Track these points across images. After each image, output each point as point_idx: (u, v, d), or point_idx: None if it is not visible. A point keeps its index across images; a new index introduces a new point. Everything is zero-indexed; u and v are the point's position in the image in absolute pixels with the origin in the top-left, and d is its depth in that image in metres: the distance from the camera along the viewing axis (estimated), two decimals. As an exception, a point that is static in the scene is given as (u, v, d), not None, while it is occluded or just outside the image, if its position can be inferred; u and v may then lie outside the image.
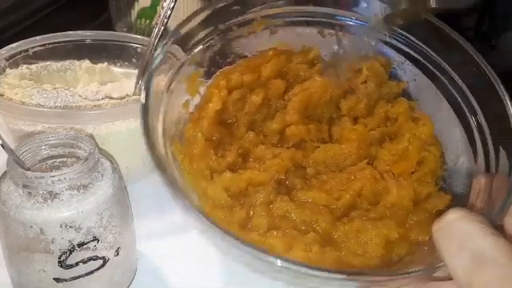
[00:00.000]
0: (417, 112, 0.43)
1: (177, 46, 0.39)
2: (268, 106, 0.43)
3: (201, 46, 0.42)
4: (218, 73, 0.44)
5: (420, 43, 0.43)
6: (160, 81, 0.38)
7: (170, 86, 0.39)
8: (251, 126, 0.42)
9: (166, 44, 0.38)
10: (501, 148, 0.36)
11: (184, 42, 0.40)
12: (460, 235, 0.26)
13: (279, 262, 0.28)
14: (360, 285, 0.30)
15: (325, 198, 0.37)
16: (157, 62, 0.37)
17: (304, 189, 0.38)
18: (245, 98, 0.42)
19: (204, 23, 0.41)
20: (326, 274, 0.28)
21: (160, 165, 0.32)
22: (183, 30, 0.39)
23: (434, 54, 0.43)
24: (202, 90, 0.43)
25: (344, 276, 0.28)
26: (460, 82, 0.41)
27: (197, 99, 0.43)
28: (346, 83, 0.45)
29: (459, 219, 0.27)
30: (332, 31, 0.46)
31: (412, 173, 0.40)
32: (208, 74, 0.44)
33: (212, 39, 0.42)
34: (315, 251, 0.33)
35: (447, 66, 0.42)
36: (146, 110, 0.35)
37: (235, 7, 0.43)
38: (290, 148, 0.40)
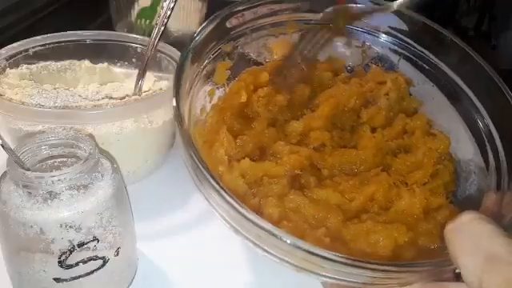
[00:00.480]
0: (434, 129, 0.45)
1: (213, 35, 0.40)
2: (292, 110, 0.44)
3: (232, 38, 0.43)
4: (244, 71, 0.45)
5: (442, 63, 0.45)
6: (190, 67, 0.38)
7: (199, 72, 0.40)
8: (272, 124, 0.43)
9: (205, 27, 0.39)
10: None
11: (217, 31, 0.41)
12: (474, 235, 0.27)
13: (289, 240, 0.28)
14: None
15: (337, 198, 0.38)
16: (199, 39, 0.38)
17: (318, 187, 0.38)
18: (269, 97, 0.44)
19: (238, 18, 0.43)
20: (332, 256, 0.28)
21: (188, 141, 0.33)
22: (218, 19, 0.41)
23: (454, 75, 0.44)
24: (228, 84, 0.44)
25: (350, 261, 0.28)
26: (477, 102, 0.42)
27: (221, 92, 0.44)
28: (369, 93, 0.46)
29: (473, 221, 0.28)
30: (359, 43, 0.48)
31: (425, 184, 0.41)
32: (235, 68, 0.45)
33: (244, 34, 0.44)
34: (326, 245, 0.33)
35: (466, 86, 0.43)
36: (177, 88, 0.35)
37: (271, 6, 0.44)
38: (310, 149, 0.41)
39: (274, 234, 0.29)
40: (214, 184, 0.30)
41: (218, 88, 0.44)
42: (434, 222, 0.38)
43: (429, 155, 0.42)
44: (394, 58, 0.47)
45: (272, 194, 0.36)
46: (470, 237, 0.27)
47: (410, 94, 0.48)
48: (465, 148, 0.43)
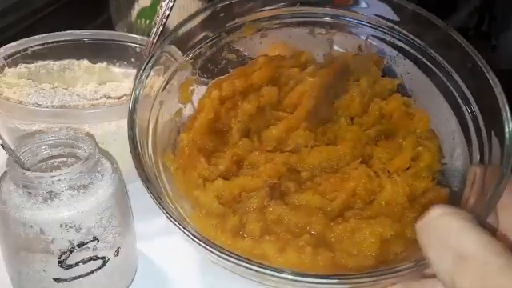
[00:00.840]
0: (412, 108, 0.43)
1: (167, 55, 0.40)
2: (262, 115, 0.43)
3: (191, 55, 0.43)
4: (210, 83, 0.44)
5: (412, 36, 0.43)
6: (149, 90, 0.39)
7: (157, 94, 0.40)
8: (245, 134, 0.42)
9: (153, 56, 0.39)
10: (494, 138, 0.36)
11: (174, 50, 0.41)
12: (442, 232, 0.26)
13: (261, 270, 0.29)
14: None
15: (318, 200, 0.37)
16: (145, 73, 0.38)
17: (298, 192, 0.38)
18: (237, 107, 0.43)
19: (192, 31, 0.42)
20: (301, 278, 0.29)
21: (146, 179, 0.33)
22: (168, 41, 0.40)
23: (427, 47, 0.42)
24: (196, 99, 0.44)
25: (321, 280, 0.29)
26: (454, 74, 0.40)
27: (189, 109, 0.44)
28: (340, 83, 0.45)
29: (442, 216, 0.26)
30: (322, 30, 0.46)
31: (408, 168, 0.40)
32: (200, 82, 0.44)
33: (201, 47, 0.43)
34: (308, 253, 0.33)
35: (440, 58, 0.41)
36: (132, 123, 0.35)
37: (222, 14, 0.43)
38: (286, 153, 0.40)
39: (242, 265, 0.29)
40: (180, 226, 0.32)
41: (184, 106, 0.43)
42: (421, 209, 0.37)
43: (408, 138, 0.41)
44: (362, 37, 0.46)
45: (252, 208, 0.36)
46: (439, 233, 0.26)
47: (384, 73, 0.46)
48: (446, 122, 0.41)
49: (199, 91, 0.44)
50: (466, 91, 0.39)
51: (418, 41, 0.42)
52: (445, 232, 0.26)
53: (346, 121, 0.42)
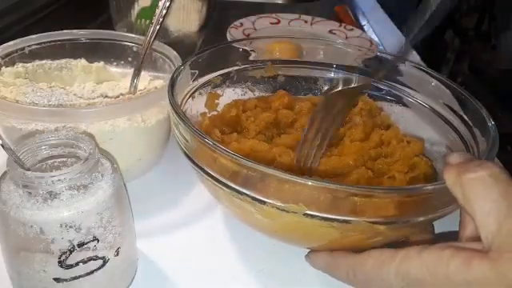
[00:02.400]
0: (408, 137, 0.48)
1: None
2: (277, 127, 0.48)
3: (222, 72, 0.50)
4: (233, 101, 0.51)
5: (405, 87, 0.51)
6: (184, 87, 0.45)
7: (193, 93, 0.47)
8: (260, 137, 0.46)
9: (189, 61, 0.46)
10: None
11: (210, 63, 0.49)
12: (499, 185, 0.29)
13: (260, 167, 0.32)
14: None
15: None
16: (183, 73, 0.44)
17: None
18: (256, 116, 0.49)
19: (227, 53, 0.50)
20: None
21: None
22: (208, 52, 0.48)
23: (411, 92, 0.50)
24: (220, 108, 0.51)
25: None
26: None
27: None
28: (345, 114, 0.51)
29: (495, 175, 0.29)
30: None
31: (406, 173, 0.43)
32: (225, 97, 0.52)
33: (231, 72, 0.51)
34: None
35: (424, 97, 0.49)
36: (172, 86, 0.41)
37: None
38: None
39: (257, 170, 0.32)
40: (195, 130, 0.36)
41: (209, 113, 0.50)
42: None
43: (405, 149, 0.45)
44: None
45: None
46: (494, 187, 0.29)
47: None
48: (438, 147, 0.47)
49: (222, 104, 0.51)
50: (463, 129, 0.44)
51: (410, 88, 0.50)
52: (500, 189, 0.29)
53: (350, 142, 0.47)
